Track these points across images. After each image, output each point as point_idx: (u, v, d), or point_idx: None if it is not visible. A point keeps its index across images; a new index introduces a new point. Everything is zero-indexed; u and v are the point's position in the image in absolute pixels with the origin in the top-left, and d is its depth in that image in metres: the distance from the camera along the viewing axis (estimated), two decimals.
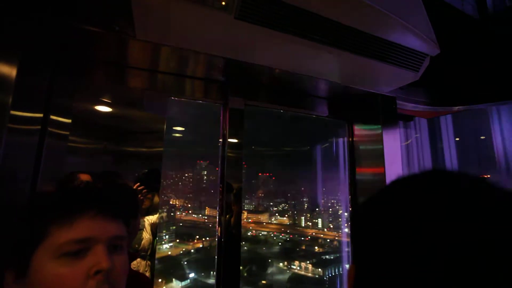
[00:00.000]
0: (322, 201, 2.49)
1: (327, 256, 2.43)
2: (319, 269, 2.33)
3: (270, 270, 2.40)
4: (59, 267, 0.50)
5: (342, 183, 1.80)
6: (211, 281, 1.31)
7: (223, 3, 0.85)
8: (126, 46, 1.06)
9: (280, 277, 2.41)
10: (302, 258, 2.46)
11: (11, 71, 0.90)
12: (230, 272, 1.30)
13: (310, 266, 2.39)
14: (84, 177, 1.42)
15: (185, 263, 1.89)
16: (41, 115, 1.06)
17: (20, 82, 0.95)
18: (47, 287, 0.50)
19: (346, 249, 1.67)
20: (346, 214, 1.70)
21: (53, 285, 0.50)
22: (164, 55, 1.16)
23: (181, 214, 2.10)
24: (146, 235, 1.82)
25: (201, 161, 2.19)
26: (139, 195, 1.38)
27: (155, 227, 1.93)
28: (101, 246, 0.54)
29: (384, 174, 1.56)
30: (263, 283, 2.28)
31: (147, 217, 1.89)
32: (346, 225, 1.66)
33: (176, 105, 1.42)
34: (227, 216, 1.36)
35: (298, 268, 2.44)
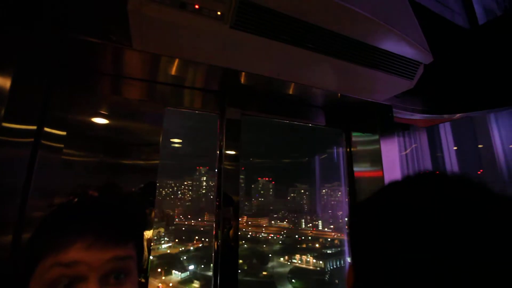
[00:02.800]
0: (322, 203, 2.51)
1: (328, 251, 2.42)
2: (320, 262, 2.32)
3: (271, 264, 2.41)
4: None
5: (342, 187, 1.79)
6: (210, 273, 1.29)
7: (219, 12, 0.86)
8: (123, 56, 1.06)
9: (281, 269, 2.43)
10: (303, 253, 2.47)
11: (5, 82, 0.89)
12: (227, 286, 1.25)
13: (311, 259, 2.39)
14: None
15: (185, 258, 1.90)
16: (34, 127, 1.04)
17: (14, 93, 0.94)
18: None
19: (346, 245, 1.68)
20: (346, 219, 1.71)
21: None
22: (161, 65, 1.16)
23: (181, 220, 2.09)
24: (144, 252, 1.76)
25: (201, 167, 2.18)
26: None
27: (150, 243, 1.87)
28: (95, 278, 0.47)
29: (383, 182, 1.54)
30: (264, 274, 2.29)
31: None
32: (346, 227, 1.69)
33: (174, 116, 1.41)
34: (224, 230, 1.32)
35: (299, 261, 2.43)
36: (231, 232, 1.33)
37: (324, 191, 2.50)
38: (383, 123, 1.63)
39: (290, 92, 1.49)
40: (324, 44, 1.07)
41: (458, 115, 1.90)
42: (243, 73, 1.22)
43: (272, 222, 2.63)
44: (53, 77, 1.09)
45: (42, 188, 1.04)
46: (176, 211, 2.15)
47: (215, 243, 1.31)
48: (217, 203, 1.35)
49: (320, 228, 2.58)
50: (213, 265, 1.29)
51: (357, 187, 1.71)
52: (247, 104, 1.48)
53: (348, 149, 1.78)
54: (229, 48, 0.99)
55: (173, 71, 1.18)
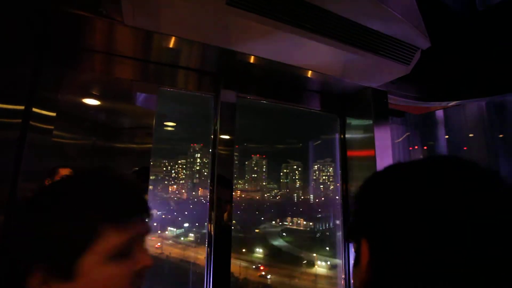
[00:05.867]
0: (314, 178, 2.68)
1: (318, 215, 2.64)
2: (310, 223, 2.54)
3: (263, 225, 2.62)
4: (111, 269, 0.49)
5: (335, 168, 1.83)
6: (204, 231, 1.38)
7: None
8: (114, 32, 1.02)
9: (273, 229, 2.67)
10: (294, 216, 2.69)
11: None
12: (221, 268, 1.27)
13: (301, 221, 2.59)
14: (64, 171, 1.35)
15: (180, 219, 2.04)
16: (22, 107, 1.00)
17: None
18: None
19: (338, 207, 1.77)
20: (337, 197, 1.79)
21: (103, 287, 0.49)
22: (154, 43, 1.12)
23: (176, 194, 2.18)
24: None
25: (195, 144, 2.19)
26: None
27: None
28: (144, 243, 0.56)
29: (375, 168, 1.56)
30: (256, 232, 2.51)
31: None
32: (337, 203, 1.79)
33: (168, 99, 1.38)
34: (218, 213, 1.33)
35: (290, 223, 2.65)
36: (225, 214, 1.34)
37: (316, 166, 2.65)
38: (378, 109, 1.63)
39: (286, 75, 1.46)
40: (322, 25, 1.04)
41: (453, 102, 1.91)
42: (239, 54, 1.19)
43: (265, 196, 2.78)
44: (41, 55, 1.05)
45: (32, 171, 1.02)
46: (171, 189, 2.21)
47: (209, 225, 1.32)
48: (211, 188, 1.35)
49: (312, 202, 2.79)
50: (207, 246, 1.30)
51: (350, 172, 1.73)
52: (242, 87, 1.45)
53: (342, 135, 1.79)
54: (225, 26, 0.95)
55: (167, 49, 1.14)
